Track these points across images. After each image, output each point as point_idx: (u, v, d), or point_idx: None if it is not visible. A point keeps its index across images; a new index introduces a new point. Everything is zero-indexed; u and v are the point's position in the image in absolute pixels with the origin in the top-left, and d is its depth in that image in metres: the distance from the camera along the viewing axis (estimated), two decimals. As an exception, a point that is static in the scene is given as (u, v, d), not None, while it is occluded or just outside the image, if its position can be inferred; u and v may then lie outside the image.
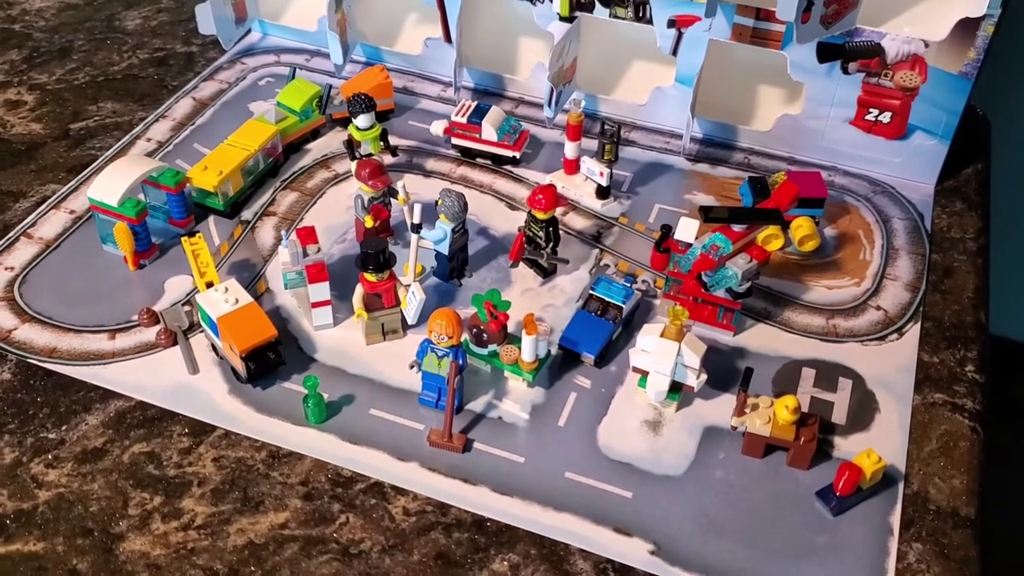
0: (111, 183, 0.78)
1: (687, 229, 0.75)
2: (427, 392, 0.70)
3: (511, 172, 0.92)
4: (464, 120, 0.91)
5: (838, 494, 0.64)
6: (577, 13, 0.93)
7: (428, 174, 0.92)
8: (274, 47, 1.09)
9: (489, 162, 0.93)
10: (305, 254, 0.75)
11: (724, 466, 0.67)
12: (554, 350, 0.74)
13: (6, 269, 0.80)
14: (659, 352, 0.67)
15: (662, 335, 0.68)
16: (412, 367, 0.69)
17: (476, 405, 0.71)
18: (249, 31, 1.10)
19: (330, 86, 0.95)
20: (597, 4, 0.92)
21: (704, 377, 0.69)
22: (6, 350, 0.73)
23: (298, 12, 1.11)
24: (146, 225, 0.79)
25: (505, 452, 0.68)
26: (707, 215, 0.71)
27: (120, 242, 0.78)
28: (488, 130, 0.91)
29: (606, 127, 0.84)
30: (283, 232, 0.80)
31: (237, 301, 0.71)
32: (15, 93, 1.01)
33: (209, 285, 0.73)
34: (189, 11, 1.14)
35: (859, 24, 0.85)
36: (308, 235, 0.77)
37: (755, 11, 0.88)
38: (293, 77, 0.96)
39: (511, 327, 0.73)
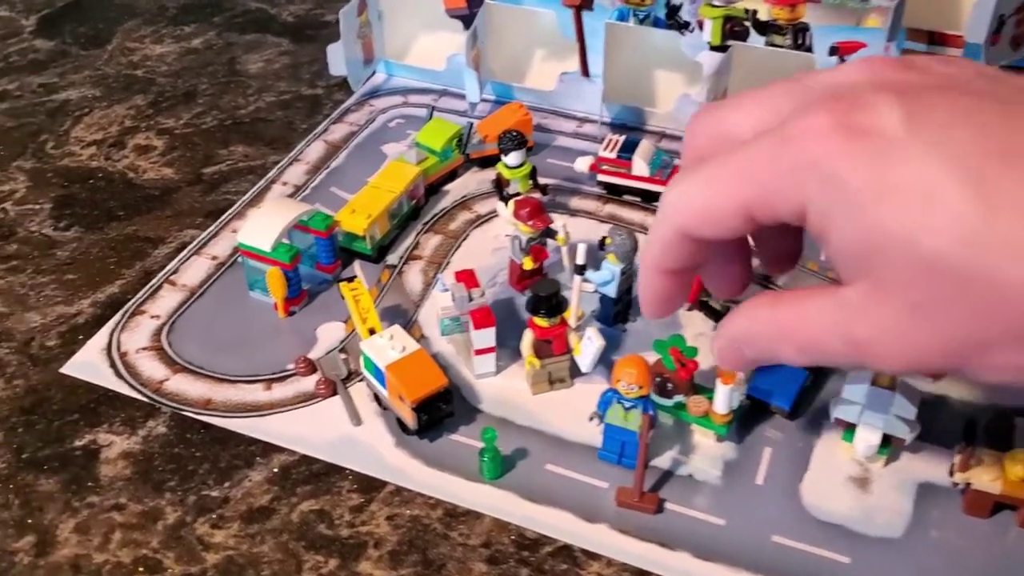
0: (263, 228, 0.75)
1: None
2: (609, 447, 0.65)
3: (663, 210, 0.87)
4: (613, 155, 0.87)
5: (1084, 559, 0.57)
6: (730, 42, 0.89)
7: (573, 213, 0.88)
8: (400, 88, 1.06)
9: (639, 199, 0.89)
10: (470, 298, 0.71)
11: (944, 526, 0.61)
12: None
13: (152, 317, 0.77)
14: (871, 403, 0.62)
15: (874, 383, 0.62)
16: (592, 419, 0.64)
17: (662, 461, 0.66)
18: (374, 72, 1.07)
19: (471, 124, 0.92)
20: (752, 32, 0.88)
21: (918, 428, 0.63)
22: (159, 402, 0.70)
23: (422, 51, 1.08)
24: (298, 270, 0.75)
25: (702, 513, 0.62)
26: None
27: (272, 288, 0.74)
28: (639, 165, 0.86)
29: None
30: (438, 276, 0.76)
31: (404, 348, 0.67)
32: (144, 138, 0.99)
33: (371, 332, 0.69)
34: (309, 54, 1.12)
35: (1046, 46, 0.80)
36: (469, 278, 0.73)
37: (927, 35, 0.83)
38: (431, 117, 0.93)
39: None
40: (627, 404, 0.62)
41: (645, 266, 0.46)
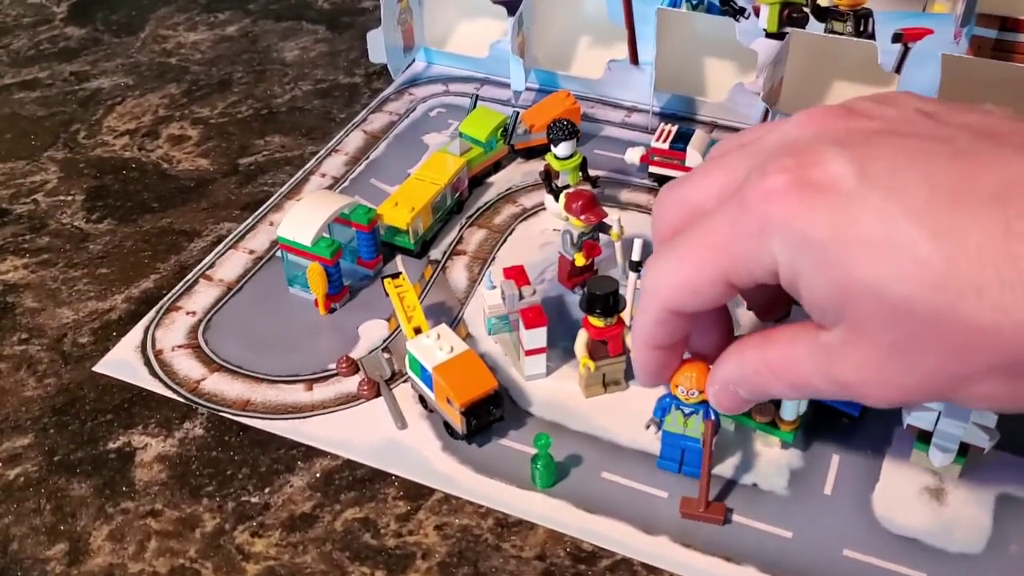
0: (303, 221, 0.72)
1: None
2: (668, 455, 0.61)
3: (716, 204, 0.84)
4: (666, 146, 0.83)
5: None
6: (787, 29, 0.85)
7: (623, 206, 0.84)
8: (440, 76, 1.03)
9: (691, 193, 0.85)
10: (520, 296, 0.68)
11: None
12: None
13: (188, 314, 0.74)
14: (949, 409, 0.58)
15: (952, 389, 0.58)
16: (649, 427, 0.61)
17: (723, 469, 0.62)
18: (413, 60, 1.04)
19: (517, 113, 0.88)
20: (811, 18, 0.84)
21: (997, 436, 0.59)
22: (196, 402, 0.67)
23: (463, 39, 1.05)
24: (339, 266, 0.72)
25: (768, 525, 0.59)
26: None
27: (313, 285, 0.71)
28: (693, 156, 0.83)
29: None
30: (487, 272, 0.73)
31: (452, 349, 0.63)
32: (178, 128, 0.97)
33: (417, 331, 0.66)
34: (346, 41, 1.09)
35: None
36: (519, 275, 0.70)
37: (999, 21, 0.78)
38: (475, 106, 0.90)
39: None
40: (687, 410, 0.59)
41: (637, 344, 0.50)
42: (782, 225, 0.39)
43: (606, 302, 0.64)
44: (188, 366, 0.70)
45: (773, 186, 0.39)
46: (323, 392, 0.68)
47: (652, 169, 0.85)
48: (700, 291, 0.44)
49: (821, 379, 0.41)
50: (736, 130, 0.92)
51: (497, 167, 0.89)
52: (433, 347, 0.64)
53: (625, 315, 0.67)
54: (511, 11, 0.93)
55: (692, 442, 0.60)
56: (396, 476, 0.62)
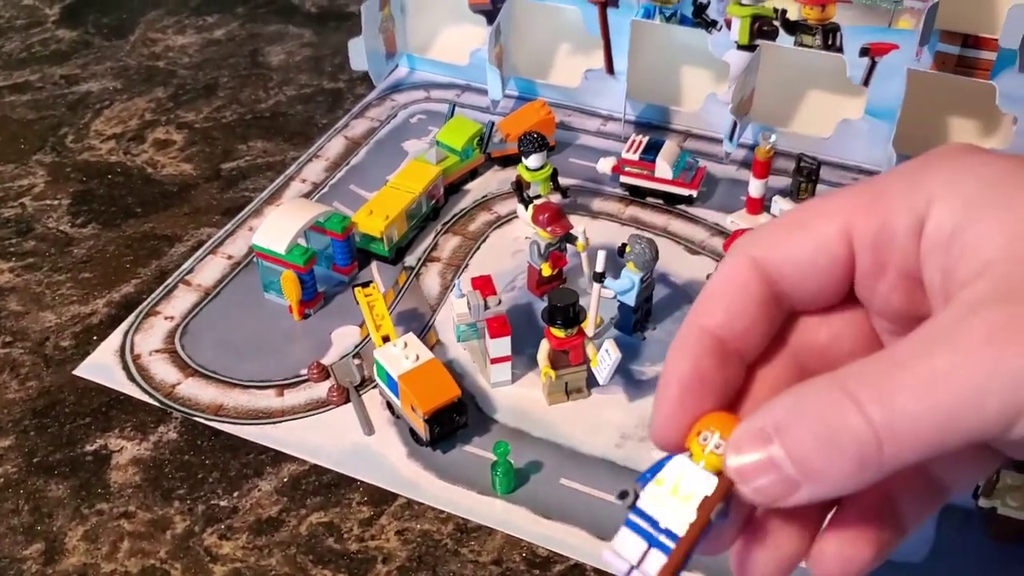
0: (278, 229, 0.74)
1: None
2: (621, 546, 0.35)
3: (686, 212, 0.86)
4: (636, 157, 0.85)
5: (1114, 591, 0.55)
6: (758, 41, 0.87)
7: (595, 215, 0.86)
8: (422, 82, 1.04)
9: (661, 201, 0.87)
10: (486, 306, 0.70)
11: (968, 551, 0.59)
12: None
13: (166, 319, 0.76)
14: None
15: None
16: (625, 497, 0.35)
17: (679, 475, 0.64)
18: (396, 66, 1.06)
19: (492, 123, 0.90)
20: (781, 31, 0.85)
21: (942, 449, 0.61)
22: (170, 407, 0.69)
23: (445, 45, 1.07)
24: (313, 273, 0.74)
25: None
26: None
27: (287, 291, 0.73)
28: (663, 167, 0.84)
29: (803, 164, 0.77)
30: (456, 281, 0.75)
31: (418, 358, 0.65)
32: (164, 132, 0.98)
33: (385, 339, 0.68)
34: (332, 46, 1.11)
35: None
36: (486, 284, 0.72)
37: (961, 38, 0.80)
38: (452, 115, 0.91)
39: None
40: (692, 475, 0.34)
41: (682, 332, 0.34)
42: (960, 166, 0.31)
43: (566, 313, 0.66)
44: (164, 371, 0.72)
45: (952, 147, 0.33)
46: (294, 397, 0.70)
47: (623, 179, 0.87)
48: (811, 238, 0.32)
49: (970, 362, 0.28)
50: (709, 140, 0.93)
51: (473, 175, 0.91)
52: (399, 355, 0.66)
53: (588, 325, 0.69)
54: (490, 20, 0.95)
55: (669, 537, 0.34)
56: (361, 481, 0.64)
